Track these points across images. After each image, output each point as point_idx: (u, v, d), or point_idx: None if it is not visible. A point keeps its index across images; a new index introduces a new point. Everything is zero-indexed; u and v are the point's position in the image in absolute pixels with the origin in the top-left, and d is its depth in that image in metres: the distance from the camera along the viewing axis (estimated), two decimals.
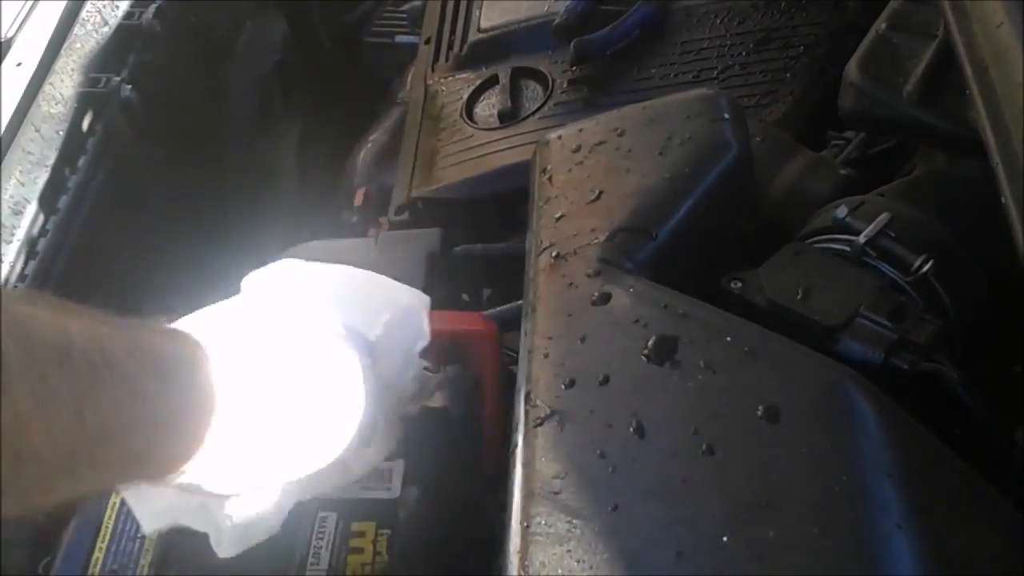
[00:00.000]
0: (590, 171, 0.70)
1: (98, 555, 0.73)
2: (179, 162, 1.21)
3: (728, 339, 0.57)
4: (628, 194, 0.67)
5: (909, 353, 0.60)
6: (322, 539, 0.71)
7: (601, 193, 0.68)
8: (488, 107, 1.09)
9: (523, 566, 0.51)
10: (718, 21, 1.06)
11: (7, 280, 0.95)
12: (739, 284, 0.65)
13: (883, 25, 0.76)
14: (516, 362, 0.87)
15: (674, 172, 0.67)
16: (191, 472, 0.54)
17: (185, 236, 1.20)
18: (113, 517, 0.74)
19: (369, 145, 1.34)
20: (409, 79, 1.31)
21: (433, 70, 1.19)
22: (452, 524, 0.74)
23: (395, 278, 0.93)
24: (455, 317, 0.86)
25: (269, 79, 1.44)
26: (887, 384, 0.57)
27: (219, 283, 1.14)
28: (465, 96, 1.11)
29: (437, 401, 0.77)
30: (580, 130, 0.73)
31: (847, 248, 0.68)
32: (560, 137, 0.74)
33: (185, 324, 0.59)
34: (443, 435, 0.77)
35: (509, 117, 1.06)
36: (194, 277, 1.14)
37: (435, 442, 0.77)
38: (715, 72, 1.01)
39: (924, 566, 0.47)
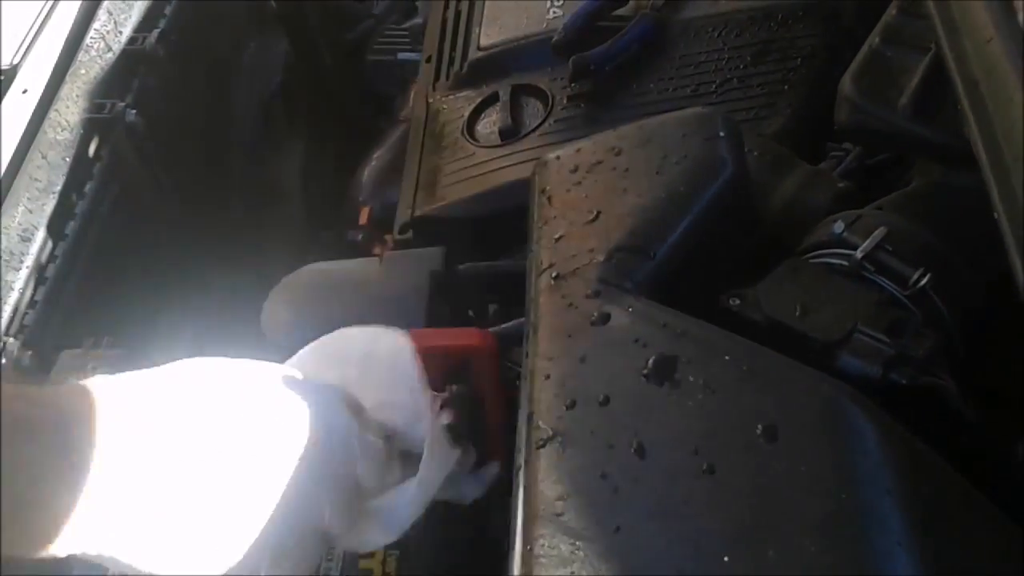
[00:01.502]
0: (588, 191, 0.71)
1: None
2: (185, 185, 1.22)
3: (727, 358, 0.58)
4: (625, 214, 0.68)
5: (908, 368, 0.60)
6: (331, 561, 0.72)
7: (599, 213, 0.69)
8: (489, 124, 1.10)
9: None
10: (716, 35, 1.06)
11: (17, 307, 0.96)
12: (737, 302, 0.66)
13: (876, 39, 0.76)
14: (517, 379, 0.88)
15: (670, 191, 0.68)
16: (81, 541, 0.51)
17: (193, 258, 1.21)
18: None
19: (373, 163, 1.35)
20: (411, 97, 1.32)
21: (434, 88, 1.20)
22: (459, 544, 0.75)
23: (399, 297, 0.94)
24: (453, 333, 0.87)
25: (272, 99, 1.45)
26: (886, 399, 0.57)
27: (228, 303, 1.17)
28: (466, 114, 1.12)
29: (442, 420, 0.77)
30: (578, 150, 0.74)
31: (845, 263, 0.68)
32: (558, 157, 0.75)
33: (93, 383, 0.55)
34: None
35: (510, 134, 1.06)
36: (203, 298, 1.15)
37: None
38: (713, 86, 1.02)
39: None
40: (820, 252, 0.70)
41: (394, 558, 0.72)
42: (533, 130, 1.06)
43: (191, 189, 1.24)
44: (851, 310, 0.63)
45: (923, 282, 0.66)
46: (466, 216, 1.04)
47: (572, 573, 0.52)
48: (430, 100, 1.18)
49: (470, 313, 1.05)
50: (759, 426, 0.54)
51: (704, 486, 0.53)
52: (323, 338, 0.72)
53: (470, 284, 0.98)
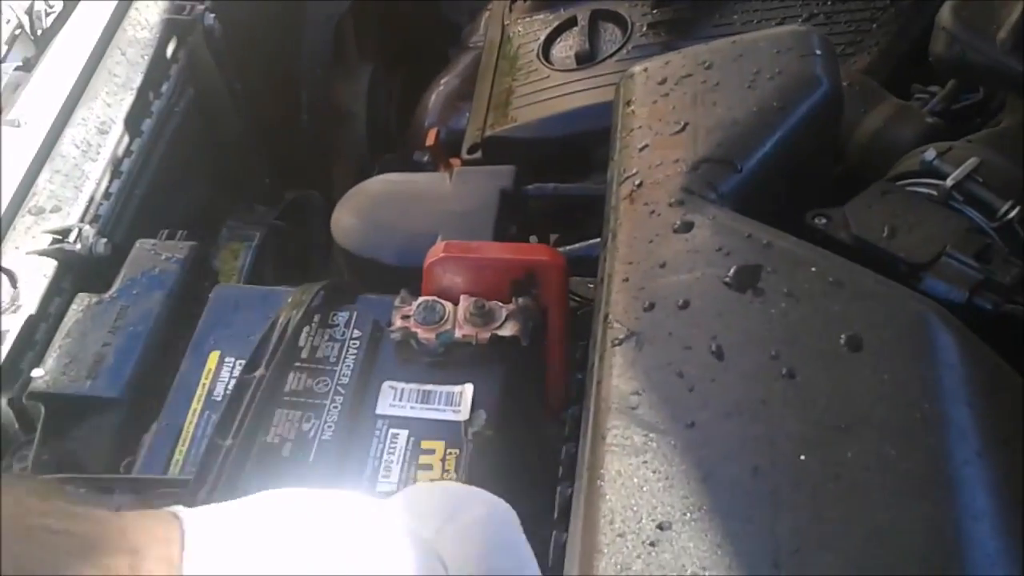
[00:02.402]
0: (675, 103, 0.70)
1: (178, 457, 0.75)
2: (257, 95, 1.23)
3: (813, 269, 0.57)
4: (714, 126, 0.67)
5: (993, 294, 0.60)
6: (393, 454, 0.73)
7: (686, 125, 0.68)
8: (565, 49, 1.09)
9: (598, 474, 0.53)
10: None
11: (92, 197, 0.98)
12: (824, 220, 0.65)
13: None
14: (580, 306, 0.88)
15: (762, 106, 0.67)
16: None
17: (261, 166, 1.22)
18: (194, 423, 0.77)
19: (441, 87, 1.35)
20: (483, 24, 1.32)
21: (510, 11, 1.19)
22: (518, 448, 0.75)
23: (468, 211, 0.95)
24: (524, 248, 0.87)
25: (344, 19, 1.45)
26: (970, 324, 0.57)
27: (294, 213, 1.18)
28: (542, 37, 1.11)
29: (506, 330, 0.78)
30: (666, 63, 0.73)
31: (934, 192, 0.67)
32: (646, 69, 0.74)
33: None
34: (511, 363, 0.79)
35: (586, 59, 1.06)
36: (270, 206, 1.17)
37: (503, 369, 0.78)
38: (799, 20, 1.00)
39: (1001, 493, 0.48)
40: (909, 180, 0.69)
41: (454, 456, 0.73)
42: (610, 56, 1.05)
43: (262, 100, 1.24)
44: (940, 234, 0.62)
45: (1012, 214, 0.65)
46: (537, 138, 1.04)
47: (645, 462, 0.52)
48: (506, 22, 1.18)
49: (533, 239, 1.05)
50: (843, 336, 0.54)
51: (783, 389, 0.53)
52: (422, 489, 0.63)
53: (538, 204, 0.98)
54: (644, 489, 0.51)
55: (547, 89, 1.06)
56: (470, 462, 0.73)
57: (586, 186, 0.98)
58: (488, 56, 1.15)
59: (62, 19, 1.11)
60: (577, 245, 0.93)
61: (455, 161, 1.14)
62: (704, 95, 0.69)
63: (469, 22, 1.49)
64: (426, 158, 1.24)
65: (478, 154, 1.06)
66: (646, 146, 0.68)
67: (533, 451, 0.79)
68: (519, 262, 0.82)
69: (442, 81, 1.36)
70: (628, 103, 0.73)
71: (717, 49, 0.72)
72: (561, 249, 0.93)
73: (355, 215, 0.97)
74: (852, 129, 0.80)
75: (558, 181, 1.03)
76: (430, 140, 1.23)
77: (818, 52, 0.69)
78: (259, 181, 1.22)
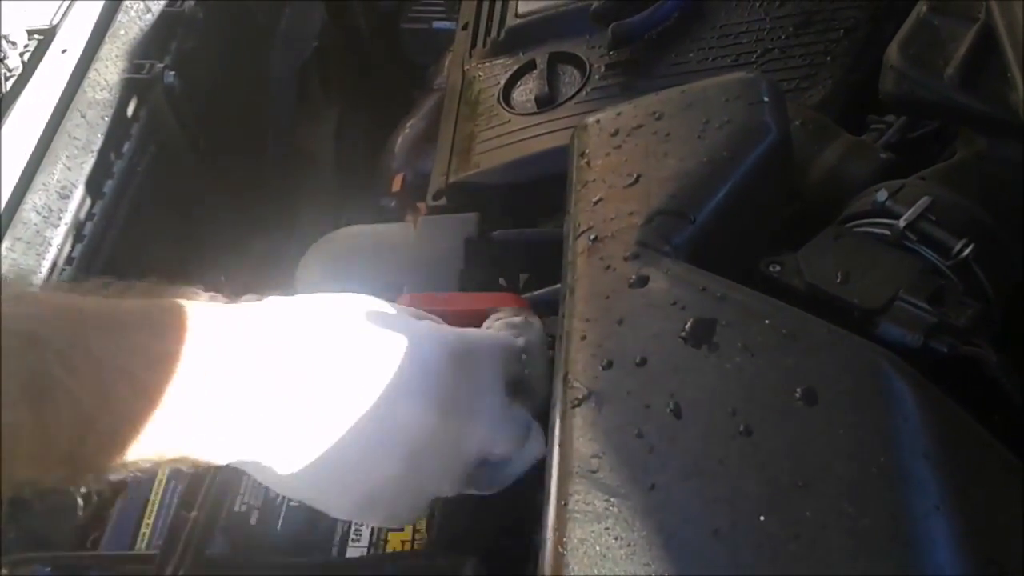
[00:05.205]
0: (628, 155, 0.70)
1: (145, 530, 0.75)
2: (221, 147, 1.23)
3: (767, 322, 0.57)
4: (666, 178, 0.67)
5: (949, 336, 0.60)
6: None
7: (639, 177, 0.68)
8: (525, 92, 1.09)
9: (561, 543, 0.52)
10: (757, 4, 1.05)
11: (55, 263, 0.97)
12: (777, 268, 0.65)
13: (924, 8, 0.75)
14: (552, 346, 0.88)
15: (712, 156, 0.67)
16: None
17: (227, 220, 1.22)
18: (160, 493, 0.76)
19: (406, 131, 1.35)
20: (446, 65, 1.32)
21: (470, 56, 1.19)
22: (489, 503, 0.75)
23: (434, 260, 0.94)
24: (490, 298, 0.87)
25: (308, 65, 1.46)
26: (926, 368, 0.57)
27: (261, 265, 1.18)
28: (502, 81, 1.11)
29: None
30: (618, 114, 0.74)
31: (887, 232, 0.67)
32: (598, 121, 0.74)
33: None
34: None
35: (546, 102, 1.06)
36: (237, 260, 1.16)
37: None
38: (754, 56, 1.00)
39: (962, 547, 0.48)
40: (862, 221, 0.70)
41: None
42: (570, 98, 1.05)
43: (227, 151, 1.25)
44: (893, 278, 0.62)
45: (966, 252, 0.65)
46: (500, 183, 1.04)
47: (606, 529, 0.52)
48: (466, 67, 1.18)
49: (501, 282, 1.05)
50: (798, 389, 0.54)
51: (741, 447, 0.53)
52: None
53: (503, 250, 0.98)
54: (607, 557, 0.51)
55: (509, 133, 1.06)
56: (442, 521, 0.73)
57: (551, 230, 0.98)
58: (450, 101, 1.16)
59: (21, 83, 1.10)
60: (546, 289, 0.93)
61: (422, 206, 1.14)
62: (655, 147, 0.69)
63: (433, 63, 1.49)
64: (392, 204, 1.24)
65: (443, 200, 1.06)
66: (600, 199, 0.69)
67: (506, 503, 0.79)
68: (484, 314, 0.81)
69: (407, 124, 1.37)
70: (582, 155, 0.73)
71: (667, 99, 0.72)
72: (530, 295, 0.93)
73: (319, 268, 0.97)
74: (806, 168, 0.80)
75: (525, 223, 1.04)
76: (396, 186, 1.24)
77: (766, 99, 0.69)
78: (226, 232, 1.22)
